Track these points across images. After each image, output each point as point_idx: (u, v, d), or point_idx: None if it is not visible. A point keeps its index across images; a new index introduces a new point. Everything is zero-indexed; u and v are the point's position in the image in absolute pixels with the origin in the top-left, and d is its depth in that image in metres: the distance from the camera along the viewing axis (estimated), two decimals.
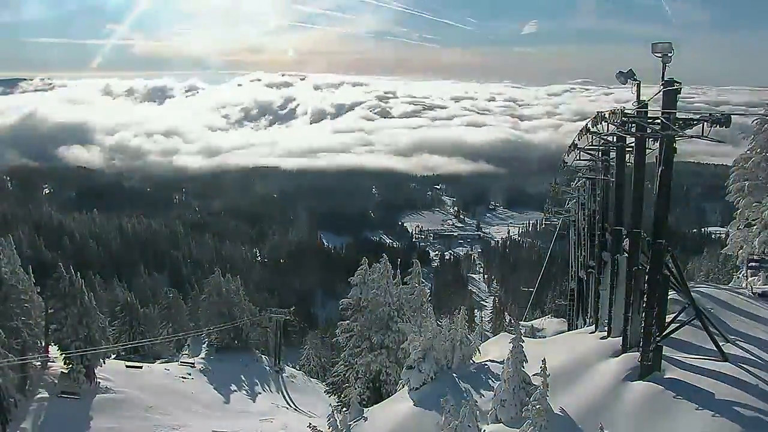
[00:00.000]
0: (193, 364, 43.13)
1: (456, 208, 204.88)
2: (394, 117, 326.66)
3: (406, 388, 19.97)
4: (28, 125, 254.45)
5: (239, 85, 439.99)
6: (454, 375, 18.79)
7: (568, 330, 26.15)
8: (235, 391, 40.17)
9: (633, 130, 14.21)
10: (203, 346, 48.09)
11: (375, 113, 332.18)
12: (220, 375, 42.29)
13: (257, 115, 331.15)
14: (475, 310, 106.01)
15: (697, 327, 14.05)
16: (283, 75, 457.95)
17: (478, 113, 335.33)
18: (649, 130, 13.55)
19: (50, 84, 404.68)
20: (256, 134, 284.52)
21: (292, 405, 40.55)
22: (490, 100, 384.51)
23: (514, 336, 15.04)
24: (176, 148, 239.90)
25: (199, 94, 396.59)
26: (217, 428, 32.02)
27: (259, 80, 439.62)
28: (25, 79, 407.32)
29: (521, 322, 42.44)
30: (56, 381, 30.73)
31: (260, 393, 41.15)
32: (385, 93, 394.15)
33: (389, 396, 24.19)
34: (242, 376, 43.12)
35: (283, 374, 46.14)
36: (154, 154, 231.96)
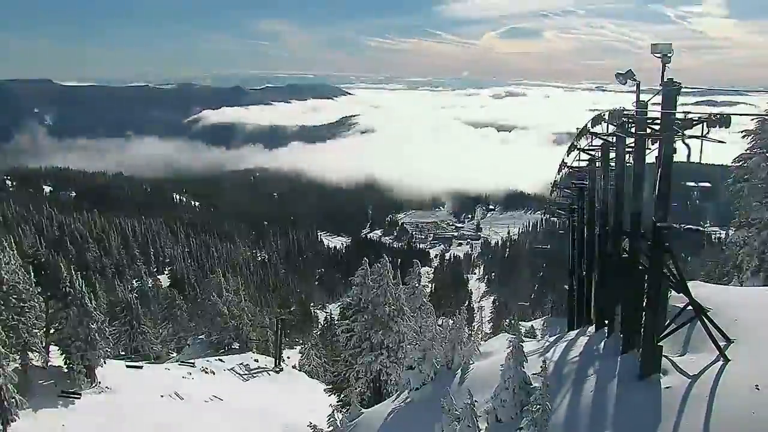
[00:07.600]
0: (193, 363, 43.18)
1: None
2: None
3: (406, 388, 20.01)
4: None
5: None
6: (454, 375, 18.78)
7: (568, 330, 26.11)
8: (235, 391, 40.17)
9: (632, 130, 14.20)
10: (203, 345, 48.19)
11: None
12: (221, 375, 42.39)
13: None
14: (475, 310, 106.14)
15: (697, 327, 14.05)
16: None
17: None
18: (648, 131, 13.55)
19: None
20: None
21: (291, 404, 40.56)
22: None
23: (513, 336, 15.05)
24: None
25: None
26: (217, 428, 32.06)
27: None
28: None
29: (521, 323, 42.57)
30: (56, 381, 30.74)
31: (260, 392, 41.17)
32: None
33: (389, 396, 24.20)
34: (242, 376, 43.19)
35: (283, 374, 46.15)
36: None
